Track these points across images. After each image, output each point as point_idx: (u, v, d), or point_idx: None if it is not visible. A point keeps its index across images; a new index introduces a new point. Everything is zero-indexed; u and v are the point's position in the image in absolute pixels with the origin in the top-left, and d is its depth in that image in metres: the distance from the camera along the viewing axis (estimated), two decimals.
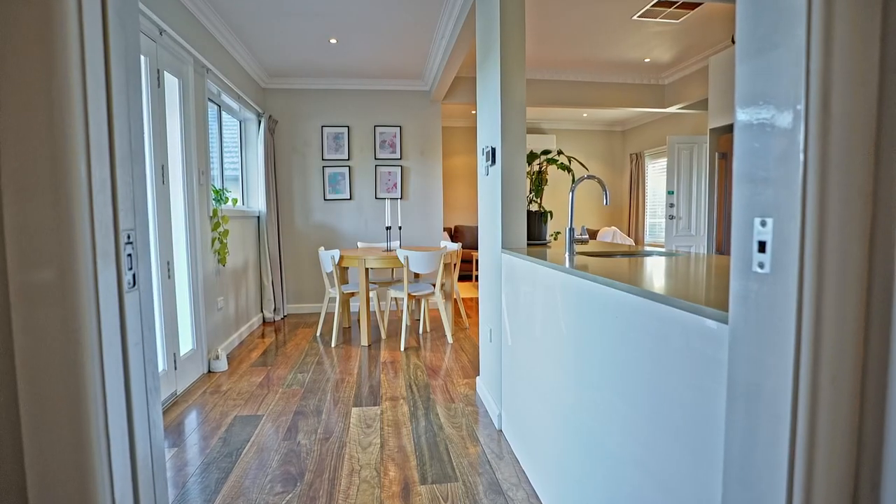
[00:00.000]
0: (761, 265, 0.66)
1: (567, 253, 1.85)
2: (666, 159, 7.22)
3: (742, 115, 0.70)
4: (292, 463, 2.08)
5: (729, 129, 3.87)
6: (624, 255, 2.12)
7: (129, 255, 0.56)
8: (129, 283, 0.56)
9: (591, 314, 1.33)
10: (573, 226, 1.84)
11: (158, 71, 2.77)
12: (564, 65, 5.20)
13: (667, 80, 5.58)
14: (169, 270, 2.83)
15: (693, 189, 6.15)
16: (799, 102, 0.61)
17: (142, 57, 2.62)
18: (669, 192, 6.15)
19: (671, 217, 6.16)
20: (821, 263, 0.60)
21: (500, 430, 2.38)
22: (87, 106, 0.52)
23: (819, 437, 0.61)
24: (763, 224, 0.66)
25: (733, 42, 4.07)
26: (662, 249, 2.10)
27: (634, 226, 8.01)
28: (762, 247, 0.66)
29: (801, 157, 0.60)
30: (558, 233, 3.32)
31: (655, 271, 1.33)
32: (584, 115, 7.74)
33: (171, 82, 3.04)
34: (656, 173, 7.65)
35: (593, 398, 1.34)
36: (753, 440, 0.67)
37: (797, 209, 0.61)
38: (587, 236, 1.85)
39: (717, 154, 3.85)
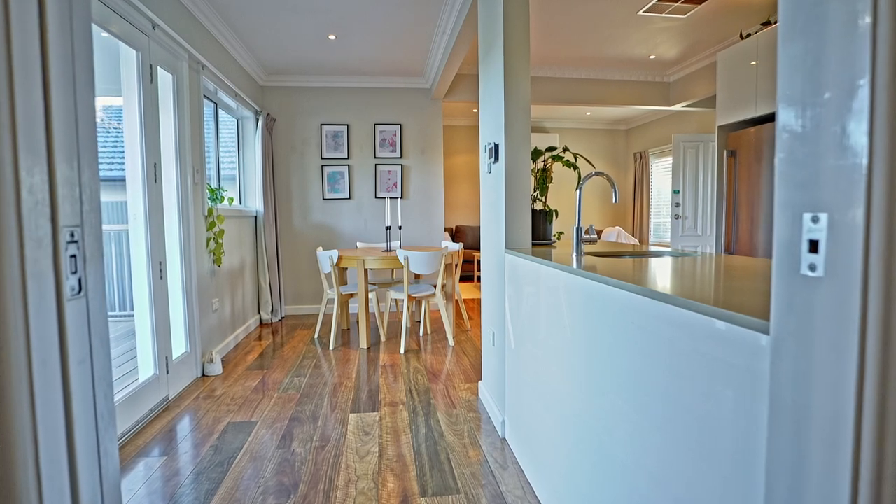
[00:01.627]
0: (812, 267, 0.57)
1: (574, 253, 1.76)
2: (670, 158, 7.12)
3: (787, 97, 0.61)
4: (286, 473, 1.99)
5: (738, 126, 3.77)
6: (634, 255, 2.02)
7: (74, 256, 0.47)
8: (73, 290, 0.47)
9: (603, 319, 1.24)
10: (581, 224, 1.75)
11: (151, 66, 2.68)
12: (567, 62, 5.10)
13: (672, 77, 5.48)
14: (161, 271, 2.74)
15: (699, 188, 6.05)
16: (862, 77, 0.52)
17: (133, 51, 2.54)
18: (675, 192, 6.05)
19: (677, 217, 6.06)
20: (890, 263, 0.50)
21: (504, 438, 2.29)
22: (13, 81, 0.43)
23: (887, 469, 0.52)
24: (815, 220, 0.57)
25: (742, 37, 3.98)
26: (670, 249, 2.01)
27: (639, 225, 7.91)
28: (814, 246, 0.57)
29: (866, 140, 0.51)
30: (561, 233, 3.23)
31: (672, 273, 1.24)
32: (588, 113, 7.64)
33: (164, 78, 2.96)
34: (661, 172, 7.55)
35: (604, 407, 1.25)
36: (806, 470, 0.58)
37: (860, 201, 0.52)
38: (595, 235, 1.76)
39: (726, 152, 3.75)
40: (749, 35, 3.71)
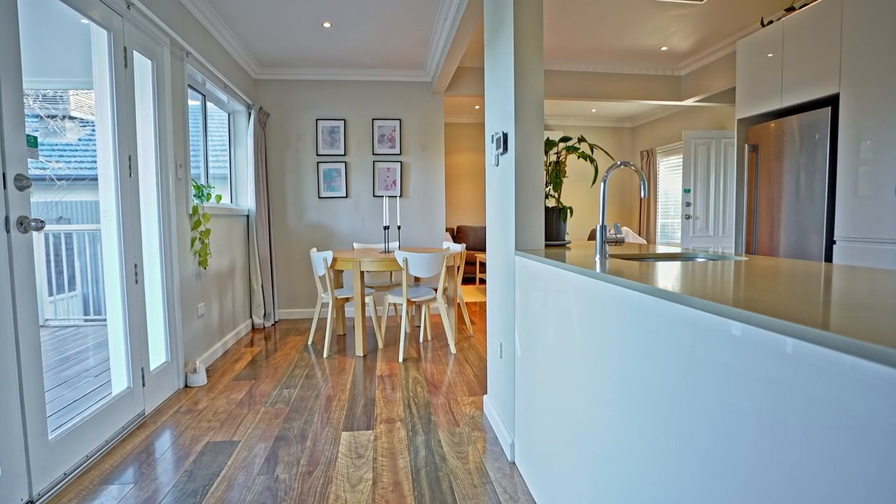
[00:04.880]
0: None
1: (598, 255, 1.52)
2: (677, 156, 6.88)
3: None
4: None
5: (760, 119, 3.53)
6: (663, 258, 1.78)
7: None
8: None
9: (640, 335, 1.00)
10: (605, 223, 1.51)
11: (125, 49, 2.45)
12: (574, 54, 4.87)
13: (683, 70, 5.24)
14: (136, 274, 2.50)
15: (711, 187, 5.81)
16: None
17: (104, 31, 2.30)
18: (686, 191, 5.81)
19: (687, 216, 5.82)
20: None
21: (513, 463, 2.04)
22: None
23: None
24: None
25: (763, 24, 3.74)
26: (704, 252, 1.77)
27: (645, 226, 7.67)
28: None
29: None
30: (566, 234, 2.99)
31: (733, 282, 1.00)
32: (593, 110, 7.41)
33: (142, 64, 2.72)
34: (668, 171, 7.31)
35: (635, 435, 1.01)
36: None
37: None
38: (622, 235, 1.52)
39: (747, 146, 3.51)
40: (771, 22, 3.47)
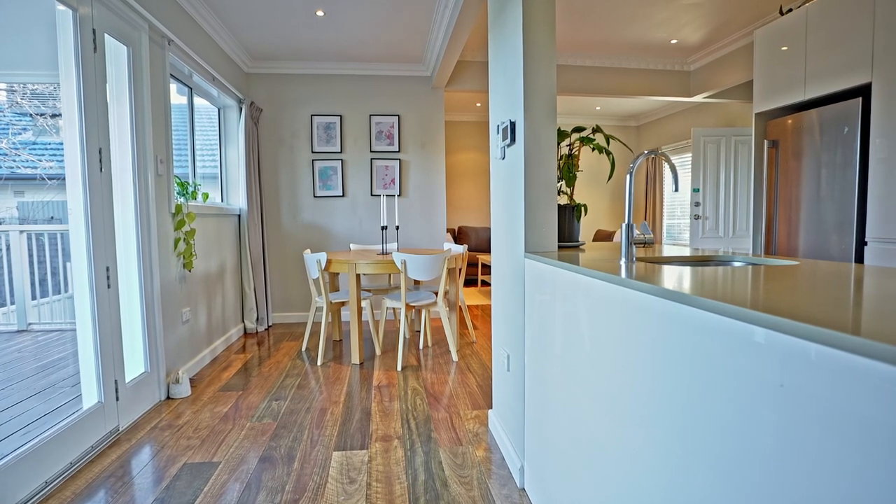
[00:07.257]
0: None
1: (624, 259, 1.31)
2: (683, 154, 6.67)
3: None
4: None
5: (781, 112, 3.32)
6: (693, 262, 1.57)
7: None
8: None
9: (687, 356, 0.79)
10: (631, 222, 1.30)
11: (94, 32, 2.24)
12: (579, 48, 4.66)
13: (693, 65, 5.04)
14: (108, 278, 2.29)
15: (721, 186, 5.60)
16: None
17: (69, 11, 2.10)
18: (695, 190, 5.61)
19: (696, 217, 5.61)
20: None
21: (523, 489, 1.83)
22: None
23: None
24: None
25: (782, 13, 3.53)
26: (742, 255, 1.56)
27: (651, 227, 7.46)
28: None
29: None
30: None
31: (814, 296, 0.79)
32: (597, 108, 7.20)
33: (116, 49, 2.52)
34: None
35: (676, 468, 0.80)
36: None
37: None
38: (651, 235, 1.31)
39: (766, 142, 3.30)
40: (790, 10, 3.27)
